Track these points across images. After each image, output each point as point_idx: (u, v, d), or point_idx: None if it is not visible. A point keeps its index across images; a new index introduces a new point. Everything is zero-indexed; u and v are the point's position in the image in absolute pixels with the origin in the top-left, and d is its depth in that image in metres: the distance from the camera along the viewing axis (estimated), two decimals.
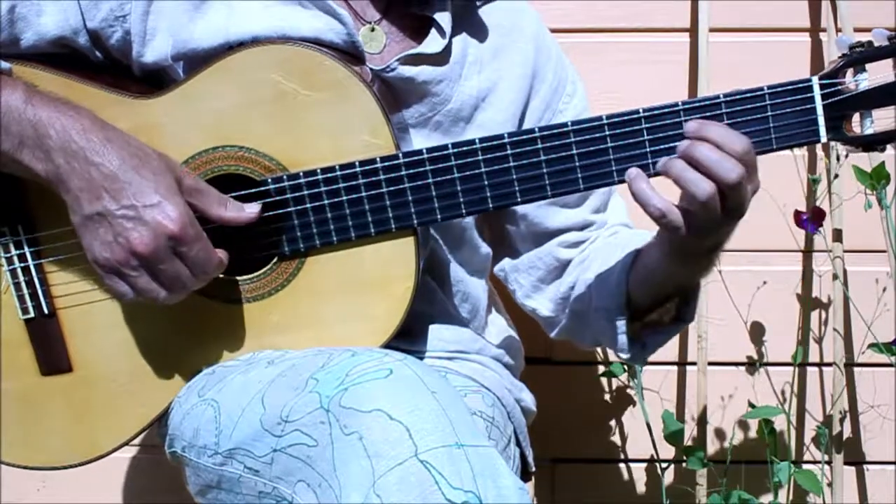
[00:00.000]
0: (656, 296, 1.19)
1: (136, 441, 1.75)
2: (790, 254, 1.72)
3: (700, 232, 1.07)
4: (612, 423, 1.79)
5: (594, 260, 1.27)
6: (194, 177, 1.08)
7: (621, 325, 1.20)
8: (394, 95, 1.18)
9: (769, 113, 1.05)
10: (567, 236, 1.30)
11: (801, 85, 1.05)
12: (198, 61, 1.11)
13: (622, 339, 1.20)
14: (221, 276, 1.09)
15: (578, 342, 1.35)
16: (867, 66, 1.05)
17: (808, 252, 1.72)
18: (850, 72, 1.05)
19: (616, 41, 1.70)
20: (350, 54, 1.13)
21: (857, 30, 1.63)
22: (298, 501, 0.94)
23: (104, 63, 1.16)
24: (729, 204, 1.04)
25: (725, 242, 1.13)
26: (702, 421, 1.71)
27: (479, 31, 1.23)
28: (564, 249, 1.30)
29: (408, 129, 1.18)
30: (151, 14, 1.12)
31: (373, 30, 1.19)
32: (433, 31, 1.18)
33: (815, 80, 1.05)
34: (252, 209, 1.08)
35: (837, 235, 1.66)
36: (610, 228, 1.31)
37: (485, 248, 1.31)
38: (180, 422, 1.13)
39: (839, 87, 1.05)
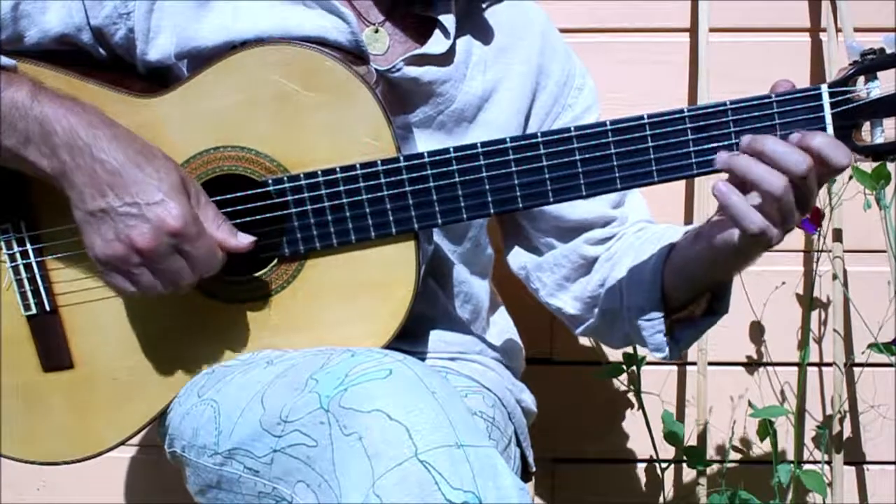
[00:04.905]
0: (693, 291, 1.16)
1: (136, 441, 1.76)
2: (791, 254, 1.72)
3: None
4: (613, 423, 1.79)
5: (624, 256, 1.25)
6: (198, 185, 1.07)
7: (657, 323, 1.18)
8: (398, 96, 1.18)
9: (777, 121, 1.03)
10: (593, 233, 1.28)
11: (810, 93, 1.02)
12: (201, 60, 1.11)
13: (658, 337, 1.18)
14: (222, 276, 1.09)
15: (607, 342, 1.34)
16: (879, 73, 1.01)
17: (808, 252, 1.72)
18: (861, 79, 1.02)
19: (616, 41, 1.70)
20: (354, 55, 1.12)
21: (857, 30, 1.62)
22: (298, 502, 0.94)
23: (107, 61, 1.16)
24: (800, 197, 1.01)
25: None
26: (702, 421, 1.71)
27: (484, 33, 1.23)
28: (590, 246, 1.28)
29: (411, 130, 1.18)
30: (155, 12, 1.12)
31: (376, 31, 1.18)
32: (437, 32, 1.18)
33: (825, 88, 1.02)
34: (245, 239, 1.07)
35: (837, 235, 1.66)
36: (635, 225, 1.30)
37: (489, 250, 1.31)
38: (180, 422, 1.13)
39: (849, 96, 1.01)
